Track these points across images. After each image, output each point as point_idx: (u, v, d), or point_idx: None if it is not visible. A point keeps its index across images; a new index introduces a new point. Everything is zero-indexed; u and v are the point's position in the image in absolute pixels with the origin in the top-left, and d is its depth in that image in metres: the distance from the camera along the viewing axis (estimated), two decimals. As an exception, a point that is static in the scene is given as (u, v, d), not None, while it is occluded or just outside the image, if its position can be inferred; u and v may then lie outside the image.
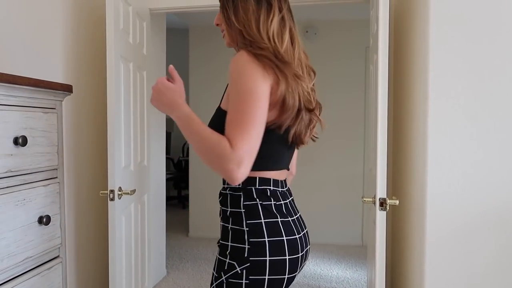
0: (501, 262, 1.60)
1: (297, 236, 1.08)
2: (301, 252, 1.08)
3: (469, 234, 1.62)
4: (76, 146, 2.04)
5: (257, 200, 1.05)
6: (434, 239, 1.65)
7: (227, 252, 1.03)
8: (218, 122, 1.05)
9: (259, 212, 1.04)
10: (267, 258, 1.01)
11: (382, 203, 1.71)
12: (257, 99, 0.95)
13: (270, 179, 1.08)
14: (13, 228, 1.14)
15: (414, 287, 1.81)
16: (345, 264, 3.45)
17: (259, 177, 1.06)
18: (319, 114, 1.13)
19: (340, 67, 4.01)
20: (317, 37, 4.04)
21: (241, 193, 1.06)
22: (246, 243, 1.01)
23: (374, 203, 1.77)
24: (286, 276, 1.04)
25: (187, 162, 5.93)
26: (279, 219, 1.05)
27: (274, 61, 0.98)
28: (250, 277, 0.99)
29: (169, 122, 5.95)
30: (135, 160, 2.27)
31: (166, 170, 5.49)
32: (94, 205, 2.20)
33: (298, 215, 1.15)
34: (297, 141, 1.09)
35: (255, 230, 1.02)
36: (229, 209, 1.08)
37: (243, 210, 1.05)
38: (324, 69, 4.01)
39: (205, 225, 4.27)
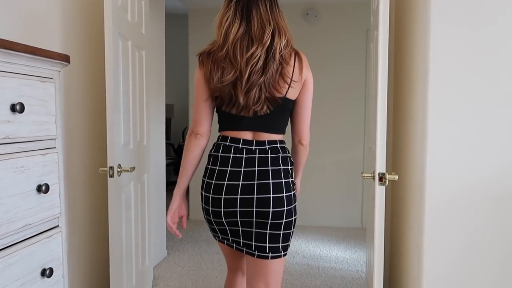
0: (499, 236, 1.60)
1: (212, 181, 1.40)
2: (208, 202, 1.40)
3: (468, 208, 1.63)
4: (76, 118, 2.04)
5: (212, 152, 1.49)
6: (433, 214, 1.66)
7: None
8: None
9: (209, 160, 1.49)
10: (201, 191, 1.47)
11: (381, 178, 1.71)
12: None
13: (223, 136, 1.47)
14: (12, 195, 1.14)
15: (412, 263, 1.82)
16: (344, 246, 3.47)
17: (219, 135, 1.49)
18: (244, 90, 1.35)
19: (340, 50, 3.98)
20: (317, 19, 4.00)
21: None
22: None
23: (373, 178, 1.77)
24: (203, 206, 1.44)
25: (187, 147, 5.92)
26: (209, 166, 1.45)
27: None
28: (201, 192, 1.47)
29: (169, 108, 5.94)
30: (134, 139, 2.27)
31: (167, 156, 5.49)
32: (94, 180, 2.21)
33: (235, 171, 1.37)
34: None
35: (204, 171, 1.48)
36: None
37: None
38: (325, 51, 3.99)
39: (206, 208, 4.28)
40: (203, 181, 1.45)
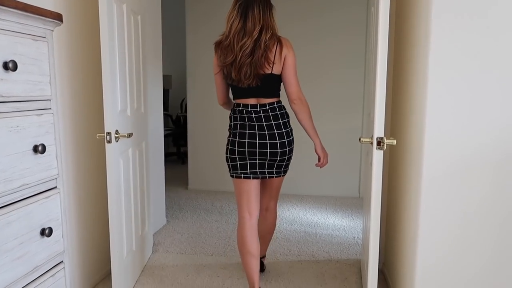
0: (495, 199, 1.61)
1: (229, 144, 1.99)
2: (231, 147, 1.97)
3: (466, 173, 1.63)
4: (71, 81, 2.02)
5: (231, 113, 2.05)
6: (430, 179, 1.66)
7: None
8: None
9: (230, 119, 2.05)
10: (228, 139, 2.02)
11: (380, 142, 1.71)
12: None
13: (234, 103, 2.03)
14: (8, 154, 1.14)
15: (409, 227, 1.85)
16: (341, 214, 3.52)
17: (234, 102, 2.03)
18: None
19: (340, 16, 3.90)
20: (317, -15, 3.90)
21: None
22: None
23: (372, 143, 1.77)
24: (230, 148, 1.98)
25: (185, 118, 5.92)
26: (232, 123, 2.01)
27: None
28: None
29: (167, 79, 5.88)
30: (131, 106, 2.25)
31: (165, 127, 5.47)
32: (92, 147, 2.20)
33: (247, 124, 1.94)
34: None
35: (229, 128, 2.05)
36: None
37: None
38: (324, 18, 3.91)
39: (204, 178, 4.32)
40: (230, 133, 2.01)
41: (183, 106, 6.03)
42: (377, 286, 1.73)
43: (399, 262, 2.03)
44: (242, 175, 1.96)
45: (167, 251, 2.70)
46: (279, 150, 1.95)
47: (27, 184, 1.21)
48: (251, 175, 1.97)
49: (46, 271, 1.31)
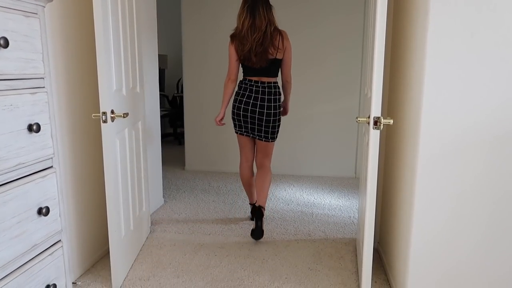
0: (489, 178, 1.63)
1: (236, 104, 2.64)
2: (237, 110, 2.64)
3: (460, 150, 1.64)
4: (65, 59, 1.98)
5: (240, 84, 2.67)
6: (426, 156, 1.67)
7: None
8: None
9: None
10: (233, 104, 2.66)
11: (376, 122, 1.71)
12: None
13: (245, 78, 2.65)
14: (3, 133, 1.13)
15: (404, 207, 1.86)
16: (338, 194, 3.55)
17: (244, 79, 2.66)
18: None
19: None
20: (315, -37, 3.81)
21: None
22: None
23: (368, 123, 1.77)
24: (235, 111, 2.64)
25: (181, 98, 5.89)
26: (240, 91, 2.64)
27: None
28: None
29: (162, 58, 5.81)
30: (127, 85, 2.22)
31: (161, 107, 5.44)
32: (88, 127, 2.19)
33: (253, 96, 2.60)
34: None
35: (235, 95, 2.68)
36: None
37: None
38: (322, 1, 3.85)
39: (201, 159, 4.32)
40: (235, 99, 2.64)
41: (179, 87, 5.98)
42: (372, 264, 1.75)
43: (394, 241, 2.06)
44: (239, 132, 2.71)
45: (164, 231, 2.72)
46: (264, 117, 2.60)
47: (23, 163, 1.20)
48: (245, 133, 2.70)
49: (45, 250, 1.32)
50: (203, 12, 4.06)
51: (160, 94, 3.34)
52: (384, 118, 1.70)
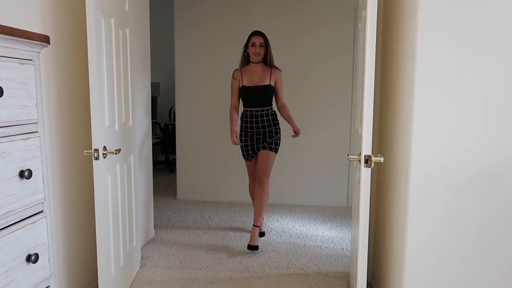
0: (478, 214, 1.64)
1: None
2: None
3: (453, 190, 1.66)
4: (58, 101, 1.99)
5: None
6: (418, 195, 1.69)
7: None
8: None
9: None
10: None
11: (367, 160, 1.73)
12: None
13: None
14: (-7, 181, 1.12)
15: (397, 244, 1.87)
16: (330, 224, 3.54)
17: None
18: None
19: (328, 29, 3.94)
20: (305, -3, 3.93)
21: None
22: None
23: (360, 160, 1.79)
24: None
25: (174, 126, 5.88)
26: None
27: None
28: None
29: (155, 86, 5.85)
30: (119, 120, 2.23)
31: (153, 135, 5.43)
32: (79, 164, 2.17)
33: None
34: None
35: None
36: None
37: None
38: (312, 31, 3.94)
39: (193, 188, 4.29)
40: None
41: (171, 114, 5.99)
42: (366, 303, 1.74)
43: (387, 275, 2.05)
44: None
45: (155, 266, 2.67)
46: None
47: (13, 210, 1.19)
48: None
49: (32, 297, 1.28)
50: (196, 40, 4.13)
51: (152, 122, 3.34)
52: (374, 156, 1.73)
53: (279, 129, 3.06)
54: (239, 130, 3.09)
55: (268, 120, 3.03)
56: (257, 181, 3.05)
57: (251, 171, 3.17)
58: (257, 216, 3.05)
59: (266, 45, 2.99)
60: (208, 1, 4.09)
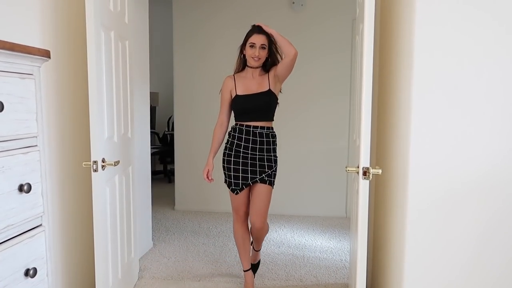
0: (481, 231, 1.65)
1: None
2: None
3: (451, 203, 1.66)
4: (58, 114, 2.00)
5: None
6: (416, 207, 1.69)
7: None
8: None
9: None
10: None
11: (365, 172, 1.74)
12: None
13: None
14: (-7, 196, 1.12)
15: (395, 256, 1.87)
16: (329, 235, 3.53)
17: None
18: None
19: (326, 40, 3.97)
20: (303, 8, 3.98)
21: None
22: None
23: (358, 172, 1.80)
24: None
25: (172, 136, 5.89)
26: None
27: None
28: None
29: (154, 96, 5.86)
30: (118, 132, 2.23)
31: (152, 145, 5.43)
32: (78, 176, 2.17)
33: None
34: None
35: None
36: None
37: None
38: (310, 41, 3.98)
39: (191, 198, 4.29)
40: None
41: (170, 124, 6.01)
42: (365, 316, 1.73)
43: (385, 287, 2.04)
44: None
45: (153, 277, 2.66)
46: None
47: (12, 224, 1.19)
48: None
49: (30, 312, 1.28)
50: (195, 50, 4.15)
51: (150, 132, 3.35)
52: (373, 168, 1.73)
53: (277, 157, 2.37)
54: (226, 150, 2.35)
55: (268, 143, 2.30)
56: (251, 224, 2.35)
57: (239, 207, 2.36)
58: (257, 246, 2.57)
59: (269, 47, 2.27)
60: (207, 11, 4.12)
